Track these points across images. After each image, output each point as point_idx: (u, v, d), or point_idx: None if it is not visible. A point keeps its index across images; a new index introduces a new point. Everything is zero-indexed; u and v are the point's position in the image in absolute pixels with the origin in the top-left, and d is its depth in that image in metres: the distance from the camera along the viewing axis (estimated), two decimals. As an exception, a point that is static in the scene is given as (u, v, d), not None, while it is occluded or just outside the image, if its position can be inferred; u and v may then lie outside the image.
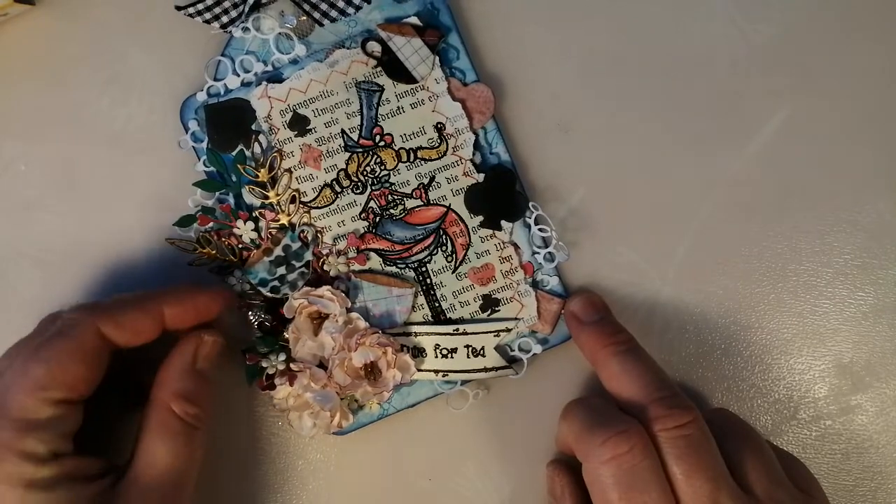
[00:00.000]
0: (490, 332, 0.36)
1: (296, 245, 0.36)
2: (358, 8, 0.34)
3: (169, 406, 0.31)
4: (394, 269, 0.36)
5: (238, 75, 0.35)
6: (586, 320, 0.35)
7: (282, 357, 0.35)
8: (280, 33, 0.35)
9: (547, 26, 0.37)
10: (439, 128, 0.36)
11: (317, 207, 0.36)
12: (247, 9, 0.34)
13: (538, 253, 0.36)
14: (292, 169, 0.35)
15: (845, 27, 0.37)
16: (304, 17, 0.35)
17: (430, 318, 0.36)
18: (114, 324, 0.31)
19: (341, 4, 0.34)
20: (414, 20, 0.35)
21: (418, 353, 0.36)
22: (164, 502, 0.30)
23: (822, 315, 0.38)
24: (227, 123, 0.35)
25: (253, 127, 0.35)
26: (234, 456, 0.37)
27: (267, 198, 0.35)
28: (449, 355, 0.36)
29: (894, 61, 0.38)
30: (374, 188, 0.36)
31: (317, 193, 0.36)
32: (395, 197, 0.36)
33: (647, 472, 0.30)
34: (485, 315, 0.36)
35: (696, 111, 0.37)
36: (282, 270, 0.36)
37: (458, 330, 0.36)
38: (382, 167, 0.36)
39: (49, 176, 0.37)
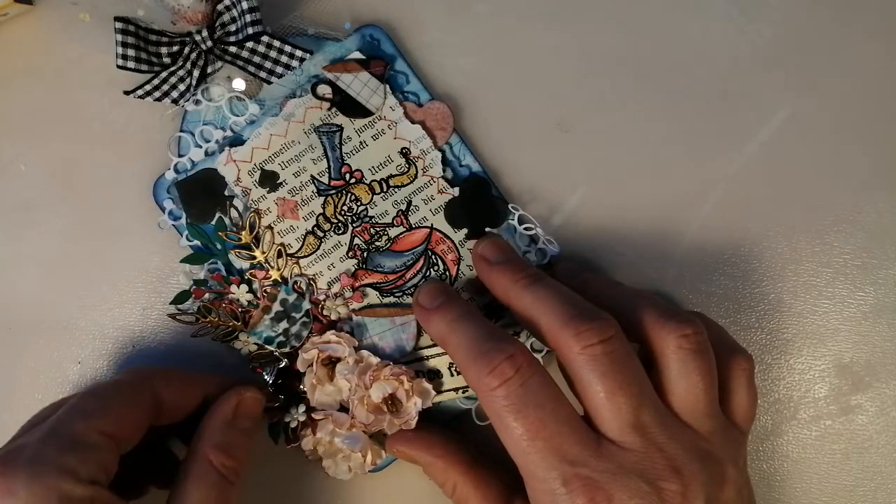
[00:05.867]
0: (499, 339, 0.36)
1: (292, 297, 0.36)
2: (302, 60, 0.34)
3: (207, 457, 0.31)
4: (392, 298, 0.36)
5: (200, 146, 0.36)
6: (494, 260, 0.34)
7: (301, 409, 0.36)
8: (231, 97, 0.36)
9: (546, 26, 0.37)
10: (405, 153, 0.36)
11: (304, 256, 0.36)
12: (194, 81, 0.34)
13: (529, 252, 0.37)
14: (272, 224, 0.36)
15: (845, 27, 0.38)
16: (252, 78, 0.35)
17: (437, 339, 0.36)
18: (165, 381, 0.33)
19: (285, 59, 0.34)
20: (357, 55, 0.36)
21: (434, 375, 0.36)
22: None
23: (822, 315, 0.38)
24: (201, 195, 0.36)
25: (226, 193, 0.36)
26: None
27: (254, 258, 0.36)
28: (464, 371, 0.36)
29: (894, 61, 0.38)
30: (354, 225, 0.36)
31: (301, 243, 0.36)
32: (377, 229, 0.36)
33: (537, 388, 0.29)
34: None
35: (695, 111, 0.37)
36: (284, 325, 0.36)
37: (467, 344, 0.36)
38: (359, 203, 0.36)
39: (49, 176, 0.37)
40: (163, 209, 0.36)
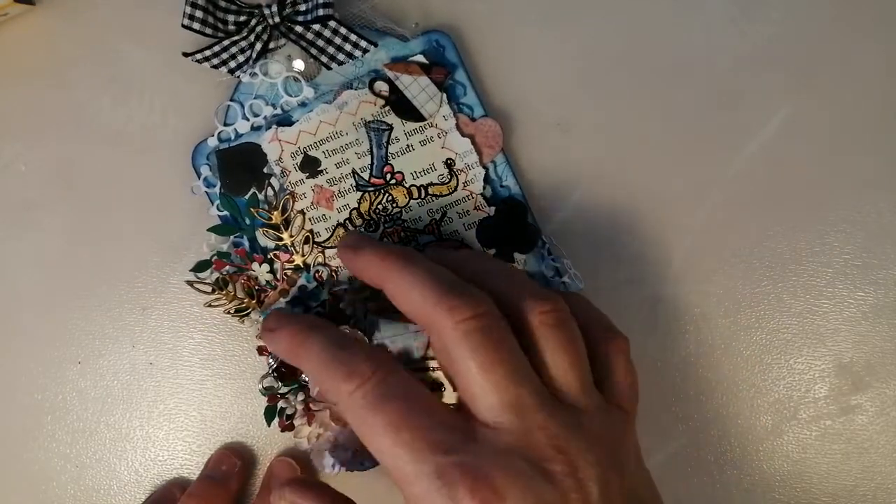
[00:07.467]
0: (507, 363, 0.36)
1: (311, 285, 0.36)
2: (365, 51, 0.34)
3: None
4: (409, 304, 0.36)
5: (248, 120, 0.35)
6: (359, 247, 0.32)
7: (300, 397, 0.36)
8: (288, 76, 0.35)
9: (547, 26, 0.37)
10: (449, 164, 0.36)
11: (331, 247, 0.36)
12: (254, 55, 0.34)
13: (552, 282, 0.37)
14: (305, 210, 0.36)
15: (845, 27, 0.37)
16: (312, 61, 0.35)
17: (447, 353, 0.36)
18: None
19: (348, 48, 0.34)
20: (420, 58, 0.35)
21: (437, 387, 0.36)
22: None
23: (822, 315, 0.38)
24: (239, 168, 0.35)
25: (265, 170, 0.35)
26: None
27: (281, 239, 0.36)
28: (467, 388, 0.36)
29: (894, 61, 0.38)
30: (386, 226, 0.36)
31: (330, 233, 0.36)
32: (408, 234, 0.36)
33: (396, 382, 0.28)
34: (501, 347, 0.36)
35: (696, 111, 0.37)
36: (299, 311, 0.36)
37: (475, 363, 0.36)
38: (394, 205, 0.36)
39: (49, 176, 0.37)
40: (199, 175, 0.36)
